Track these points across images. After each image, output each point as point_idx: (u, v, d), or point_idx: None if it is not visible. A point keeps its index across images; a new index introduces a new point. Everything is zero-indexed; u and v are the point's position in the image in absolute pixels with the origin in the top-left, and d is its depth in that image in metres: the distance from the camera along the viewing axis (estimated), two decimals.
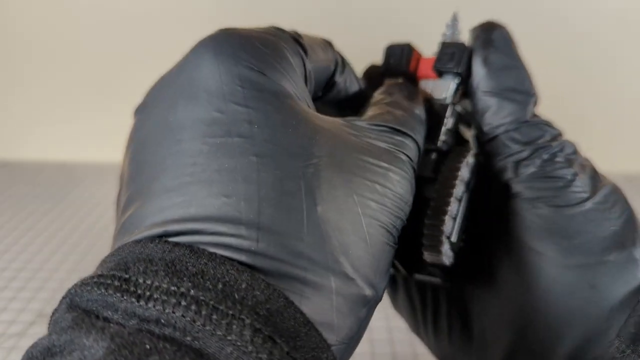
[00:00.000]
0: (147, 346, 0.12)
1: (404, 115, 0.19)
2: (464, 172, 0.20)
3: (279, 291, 0.13)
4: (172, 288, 0.13)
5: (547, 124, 0.20)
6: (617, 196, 0.19)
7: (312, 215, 0.14)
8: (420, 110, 0.20)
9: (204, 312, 0.13)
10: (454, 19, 0.23)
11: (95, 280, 0.14)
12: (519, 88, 0.20)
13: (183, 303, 0.13)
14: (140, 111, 0.18)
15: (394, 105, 0.19)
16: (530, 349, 0.19)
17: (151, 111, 0.17)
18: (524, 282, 0.19)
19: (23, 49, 0.68)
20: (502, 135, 0.20)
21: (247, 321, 0.13)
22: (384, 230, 0.16)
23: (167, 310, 0.13)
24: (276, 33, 0.17)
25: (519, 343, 0.19)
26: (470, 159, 0.21)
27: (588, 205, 0.18)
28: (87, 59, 0.67)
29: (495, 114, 0.20)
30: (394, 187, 0.16)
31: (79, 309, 0.14)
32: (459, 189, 0.20)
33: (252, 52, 0.16)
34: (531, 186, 0.19)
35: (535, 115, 0.21)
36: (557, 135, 0.20)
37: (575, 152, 0.20)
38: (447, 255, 0.20)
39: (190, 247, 0.14)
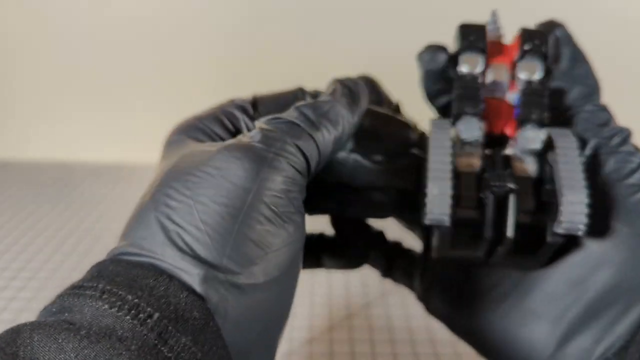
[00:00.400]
0: (29, 329, 0.16)
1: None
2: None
3: (139, 265, 0.18)
4: (72, 286, 0.18)
5: (611, 112, 0.22)
6: None
7: (153, 218, 0.19)
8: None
9: (76, 291, 0.17)
10: (494, 15, 0.24)
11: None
12: (589, 75, 0.23)
13: (69, 292, 0.17)
14: None
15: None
16: (597, 318, 0.21)
17: None
18: (601, 256, 0.21)
19: (23, 49, 0.68)
20: (578, 116, 0.22)
21: (100, 286, 0.17)
22: (220, 213, 0.18)
23: (58, 300, 0.17)
24: (220, 105, 0.23)
25: (589, 313, 0.21)
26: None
27: None
28: (87, 59, 0.67)
29: (572, 97, 0.22)
30: (224, 179, 0.19)
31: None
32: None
33: (183, 125, 0.22)
34: (606, 166, 0.21)
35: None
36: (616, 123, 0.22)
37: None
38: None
39: (116, 260, 0.18)
